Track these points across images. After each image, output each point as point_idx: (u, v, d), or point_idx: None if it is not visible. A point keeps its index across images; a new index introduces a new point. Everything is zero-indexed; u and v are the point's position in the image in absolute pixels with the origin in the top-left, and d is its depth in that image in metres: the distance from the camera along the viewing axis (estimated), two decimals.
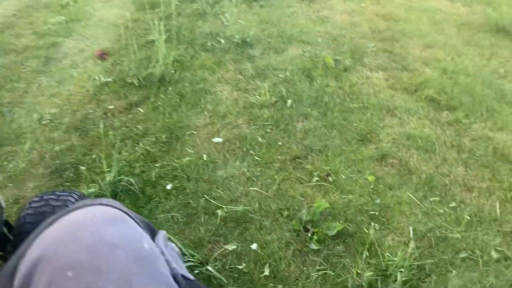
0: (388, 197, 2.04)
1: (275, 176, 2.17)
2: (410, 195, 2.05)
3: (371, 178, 2.15)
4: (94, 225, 0.48)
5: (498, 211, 1.97)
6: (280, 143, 2.39)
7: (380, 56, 3.28)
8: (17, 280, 0.45)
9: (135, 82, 2.85)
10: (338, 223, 1.86)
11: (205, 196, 2.04)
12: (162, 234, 0.56)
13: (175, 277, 0.51)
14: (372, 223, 1.90)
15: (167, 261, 0.53)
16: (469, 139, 2.45)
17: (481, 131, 2.51)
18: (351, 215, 1.95)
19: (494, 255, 1.76)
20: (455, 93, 2.82)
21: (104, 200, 0.52)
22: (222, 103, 2.70)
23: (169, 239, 0.59)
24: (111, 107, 2.64)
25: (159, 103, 2.66)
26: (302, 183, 2.14)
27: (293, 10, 3.94)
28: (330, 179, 2.16)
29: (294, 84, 2.90)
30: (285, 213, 1.96)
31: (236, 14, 3.81)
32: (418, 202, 2.01)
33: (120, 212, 0.52)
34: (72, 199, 1.47)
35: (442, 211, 1.97)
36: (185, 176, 2.15)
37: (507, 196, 2.06)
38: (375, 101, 2.74)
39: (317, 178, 2.15)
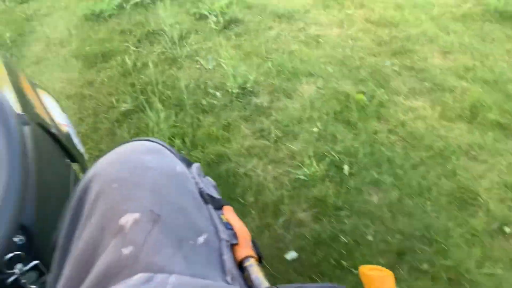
0: None
1: None
2: None
3: None
4: (137, 153, 0.63)
5: None
6: (370, 238, 1.81)
7: (405, 76, 2.79)
8: (76, 194, 0.61)
9: None
10: None
11: None
12: (196, 165, 0.71)
13: (201, 194, 0.65)
14: None
15: (196, 183, 0.66)
16: None
17: None
18: None
19: None
20: None
21: (151, 138, 0.69)
22: (263, 190, 2.05)
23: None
24: None
25: None
26: None
27: (276, 32, 3.31)
28: (463, 280, 1.63)
29: (334, 138, 2.32)
30: None
31: (213, 50, 3.12)
32: None
33: (160, 146, 0.68)
34: None
35: None
36: None
37: None
38: (441, 142, 2.24)
39: (448, 285, 1.61)
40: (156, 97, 2.64)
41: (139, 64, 2.97)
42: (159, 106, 2.56)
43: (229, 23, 3.41)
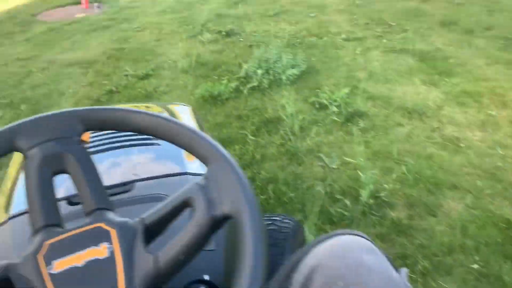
0: None
1: None
2: None
3: None
4: (356, 251, 0.63)
5: None
6: None
7: None
8: (296, 283, 0.63)
9: None
10: None
11: None
12: (405, 270, 0.67)
13: None
14: None
15: None
16: None
17: None
18: None
19: None
20: None
21: (359, 232, 0.69)
22: None
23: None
24: None
25: None
26: None
27: (406, 130, 2.98)
28: None
29: (501, 282, 1.85)
30: None
31: (336, 146, 2.85)
32: None
33: (373, 245, 0.67)
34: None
35: None
36: None
37: None
38: None
39: None
40: (278, 198, 2.38)
41: (257, 156, 2.77)
42: (280, 210, 2.29)
43: (352, 116, 3.15)
